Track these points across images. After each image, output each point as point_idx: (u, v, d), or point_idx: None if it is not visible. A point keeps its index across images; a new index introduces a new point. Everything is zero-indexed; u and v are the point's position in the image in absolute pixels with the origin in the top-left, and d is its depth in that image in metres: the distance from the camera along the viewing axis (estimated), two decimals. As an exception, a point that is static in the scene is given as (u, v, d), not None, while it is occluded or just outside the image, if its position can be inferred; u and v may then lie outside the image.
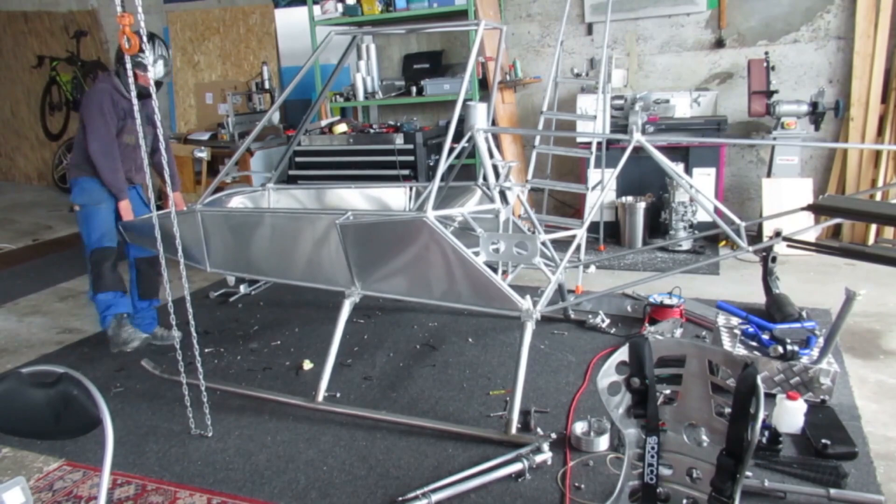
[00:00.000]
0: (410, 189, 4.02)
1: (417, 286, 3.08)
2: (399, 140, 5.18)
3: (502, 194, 3.50)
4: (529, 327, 2.89)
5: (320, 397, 3.08)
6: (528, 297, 2.92)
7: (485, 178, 3.55)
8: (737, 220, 2.88)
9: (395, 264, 3.05)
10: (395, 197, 4.02)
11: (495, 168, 3.49)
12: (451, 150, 3.15)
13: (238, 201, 3.83)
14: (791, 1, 5.33)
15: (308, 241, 3.24)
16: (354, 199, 4.00)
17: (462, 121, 3.34)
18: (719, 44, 5.56)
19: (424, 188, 3.85)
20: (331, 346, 3.12)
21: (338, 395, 3.25)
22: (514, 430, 2.76)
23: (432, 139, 5.33)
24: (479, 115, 3.41)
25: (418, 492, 2.42)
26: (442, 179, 3.61)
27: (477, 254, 2.98)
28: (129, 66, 2.64)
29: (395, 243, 2.99)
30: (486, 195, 3.77)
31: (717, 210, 3.09)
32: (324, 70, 6.24)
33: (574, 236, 3.24)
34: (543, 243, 3.39)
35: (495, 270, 3.34)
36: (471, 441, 2.79)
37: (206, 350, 3.80)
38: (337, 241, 3.09)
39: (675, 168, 3.02)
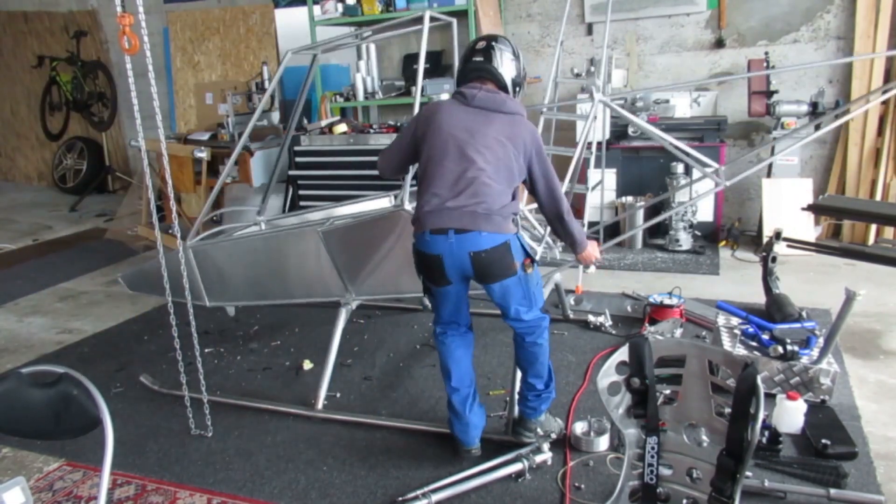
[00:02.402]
0: (395, 196, 4.03)
1: (409, 284, 3.07)
2: (399, 140, 5.17)
3: None
4: None
5: (319, 405, 3.08)
6: None
7: None
8: (714, 165, 2.98)
9: (382, 264, 3.04)
10: (382, 206, 4.04)
11: None
12: None
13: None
14: (791, 1, 5.33)
15: (296, 257, 3.23)
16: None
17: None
18: (719, 44, 5.55)
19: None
20: (329, 354, 3.12)
21: (338, 395, 3.25)
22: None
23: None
24: None
25: (418, 492, 2.42)
26: None
27: None
28: None
29: (377, 242, 2.99)
30: None
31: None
32: (323, 70, 6.24)
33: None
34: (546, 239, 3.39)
35: None
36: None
37: (206, 350, 3.79)
38: (323, 252, 3.09)
39: (640, 122, 3.06)
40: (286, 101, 6.63)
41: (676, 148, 3.15)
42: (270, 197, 5.41)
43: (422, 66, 2.96)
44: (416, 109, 2.97)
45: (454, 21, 3.66)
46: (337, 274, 3.12)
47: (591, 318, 3.86)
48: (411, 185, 2.89)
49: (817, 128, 4.92)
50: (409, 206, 2.83)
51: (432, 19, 3.06)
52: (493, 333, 3.86)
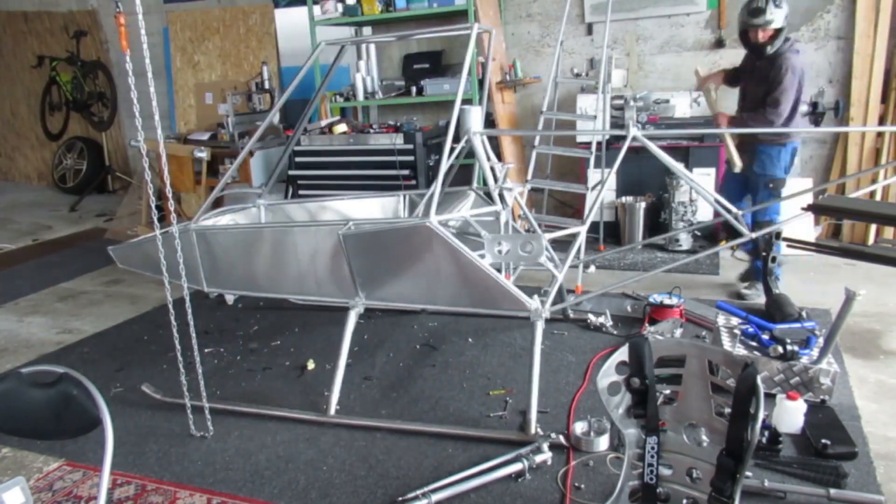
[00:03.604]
0: (404, 197, 4.01)
1: (423, 293, 3.06)
2: (399, 140, 5.18)
3: (501, 197, 3.50)
4: (539, 326, 2.88)
5: (332, 410, 3.03)
6: (535, 296, 2.92)
7: (484, 182, 3.55)
8: (735, 210, 2.96)
9: (400, 272, 3.02)
10: (390, 206, 4.01)
11: (493, 170, 3.49)
12: (451, 152, 3.18)
13: (229, 219, 3.75)
14: (791, 1, 5.32)
15: (308, 254, 3.19)
16: (349, 210, 3.96)
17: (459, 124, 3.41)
18: (719, 44, 5.55)
19: (419, 196, 3.83)
20: (339, 359, 3.08)
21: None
22: (533, 430, 2.75)
23: (432, 139, 5.33)
24: (475, 119, 3.42)
25: (418, 492, 2.42)
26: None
27: (482, 256, 2.98)
28: None
29: (399, 251, 2.98)
30: (481, 198, 3.77)
31: (719, 204, 3.12)
32: (324, 70, 6.23)
33: (576, 234, 3.22)
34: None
35: (499, 272, 3.35)
36: (470, 441, 2.79)
37: (206, 350, 3.80)
38: (338, 253, 3.06)
39: (675, 163, 3.03)
40: (286, 101, 6.63)
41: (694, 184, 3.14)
42: (271, 197, 5.43)
43: (464, 74, 3.00)
44: (454, 120, 2.95)
45: (493, 31, 3.68)
46: (350, 277, 3.09)
47: (591, 317, 3.86)
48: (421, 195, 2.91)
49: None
50: (435, 219, 2.82)
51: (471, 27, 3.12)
52: (493, 333, 3.87)
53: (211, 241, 3.36)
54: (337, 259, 3.10)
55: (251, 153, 5.60)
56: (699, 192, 3.07)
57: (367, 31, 6.33)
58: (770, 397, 2.87)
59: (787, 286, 3.88)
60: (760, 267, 3.93)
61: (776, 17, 3.79)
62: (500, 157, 5.36)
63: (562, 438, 2.72)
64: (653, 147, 2.99)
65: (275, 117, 6.39)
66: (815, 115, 5.00)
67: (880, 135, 5.14)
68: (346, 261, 3.06)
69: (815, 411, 2.81)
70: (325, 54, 5.34)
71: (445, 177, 3.82)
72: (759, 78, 3.99)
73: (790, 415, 2.73)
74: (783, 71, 3.85)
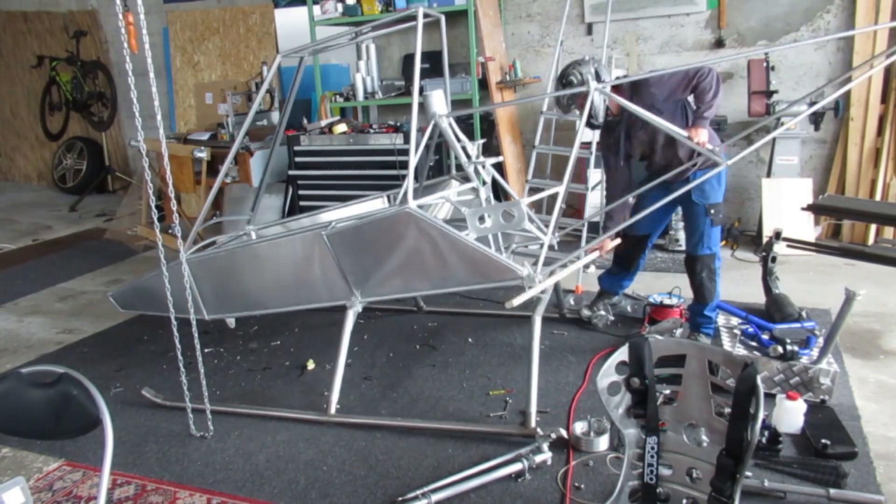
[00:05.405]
0: (388, 198, 4.01)
1: (416, 280, 3.05)
2: (399, 140, 5.17)
3: (477, 173, 3.48)
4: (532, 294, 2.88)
5: (332, 409, 3.03)
6: (525, 263, 2.89)
7: (458, 168, 3.53)
8: (716, 150, 3.17)
9: (389, 263, 3.03)
10: (376, 208, 4.02)
11: (465, 149, 3.47)
12: (419, 142, 3.18)
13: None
14: (791, 1, 5.33)
15: (299, 263, 3.19)
16: (336, 218, 3.98)
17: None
18: (719, 44, 5.55)
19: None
20: (338, 358, 3.08)
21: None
22: (532, 424, 2.77)
23: (432, 139, 5.31)
24: (438, 102, 3.39)
25: (418, 492, 2.42)
26: (416, 179, 3.60)
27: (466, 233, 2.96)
28: None
29: (383, 241, 2.98)
30: (462, 181, 3.76)
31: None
32: (324, 70, 6.24)
33: (556, 194, 3.15)
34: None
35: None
36: (470, 441, 2.80)
37: (206, 350, 3.79)
38: (327, 255, 3.06)
39: (647, 113, 3.02)
40: (285, 101, 6.62)
41: (673, 131, 3.10)
42: (271, 197, 5.42)
43: (418, 62, 2.96)
44: (415, 108, 2.97)
45: (443, 17, 3.64)
46: (342, 277, 3.10)
47: (584, 311, 3.86)
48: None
49: (817, 118, 4.95)
50: (413, 203, 2.83)
51: (425, 16, 3.06)
52: (493, 333, 3.86)
53: (203, 268, 3.33)
54: (326, 262, 3.09)
55: (251, 153, 5.60)
56: (679, 138, 3.09)
57: (367, 31, 6.33)
58: (770, 397, 2.87)
59: (787, 286, 3.88)
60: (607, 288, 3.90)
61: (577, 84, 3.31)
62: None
63: (563, 432, 2.72)
64: (616, 97, 3.03)
65: (275, 118, 6.40)
66: (815, 115, 5.01)
67: (880, 134, 5.14)
68: (335, 261, 3.06)
69: (815, 411, 2.81)
70: (325, 54, 5.33)
71: (421, 174, 3.82)
72: (641, 123, 3.29)
73: (790, 415, 2.73)
74: (653, 81, 3.32)
